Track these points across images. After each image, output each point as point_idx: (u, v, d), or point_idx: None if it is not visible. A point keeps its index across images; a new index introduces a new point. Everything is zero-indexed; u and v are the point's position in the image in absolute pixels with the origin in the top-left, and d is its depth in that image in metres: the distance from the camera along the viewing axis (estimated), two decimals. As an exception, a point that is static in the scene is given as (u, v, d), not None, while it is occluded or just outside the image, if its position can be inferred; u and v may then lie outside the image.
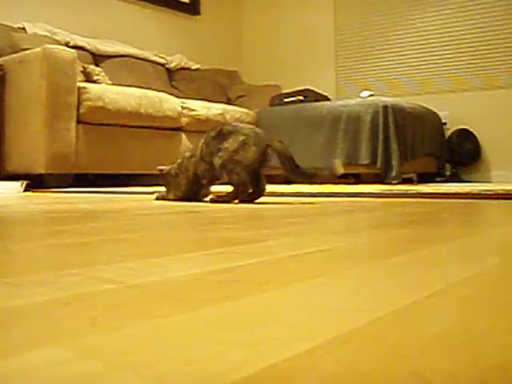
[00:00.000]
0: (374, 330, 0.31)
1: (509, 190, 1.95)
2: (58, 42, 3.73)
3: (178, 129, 3.73)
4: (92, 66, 3.85)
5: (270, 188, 2.70)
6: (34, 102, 3.02)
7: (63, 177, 3.10)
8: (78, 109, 3.13)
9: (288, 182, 4.40)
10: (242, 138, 1.65)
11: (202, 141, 1.75)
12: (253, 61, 5.85)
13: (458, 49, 4.61)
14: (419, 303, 0.37)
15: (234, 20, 5.85)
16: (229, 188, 1.73)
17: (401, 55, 4.90)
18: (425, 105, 4.60)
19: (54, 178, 3.05)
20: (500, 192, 1.86)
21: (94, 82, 3.66)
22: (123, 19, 4.74)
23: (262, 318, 0.33)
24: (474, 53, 4.53)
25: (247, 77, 5.76)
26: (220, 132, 1.69)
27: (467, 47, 4.57)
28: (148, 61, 4.61)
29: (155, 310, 0.36)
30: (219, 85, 5.12)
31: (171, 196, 1.82)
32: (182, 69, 4.94)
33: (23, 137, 3.10)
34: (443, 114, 4.54)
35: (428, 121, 4.17)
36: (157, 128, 3.57)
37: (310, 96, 4.31)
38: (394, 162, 3.69)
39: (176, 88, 4.73)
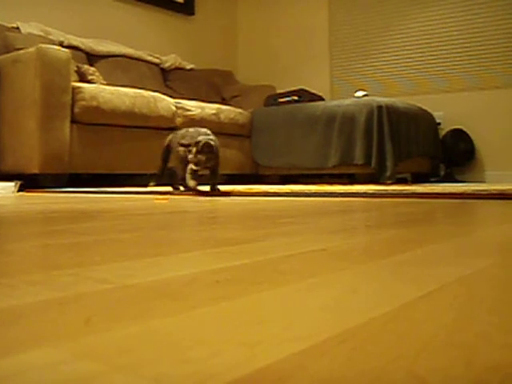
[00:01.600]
0: (369, 330, 0.31)
1: (503, 190, 1.96)
2: (53, 42, 3.72)
3: (173, 129, 3.72)
4: (86, 66, 3.84)
5: (264, 188, 2.70)
6: (28, 101, 3.02)
7: (57, 177, 3.09)
8: (72, 108, 3.13)
9: (283, 182, 4.40)
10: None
11: None
12: (247, 61, 5.85)
13: (452, 49, 4.62)
14: (414, 303, 0.37)
15: (228, 20, 5.85)
16: None
17: (395, 55, 4.90)
18: (419, 105, 4.61)
19: (48, 178, 3.04)
20: (494, 192, 1.87)
21: (89, 81, 3.65)
22: (118, 19, 4.73)
23: (258, 318, 0.33)
24: (468, 53, 4.55)
25: (242, 77, 5.76)
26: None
27: (461, 47, 4.58)
28: (142, 61, 4.60)
29: (151, 310, 0.35)
30: (214, 85, 5.12)
31: None
32: (177, 69, 4.93)
33: (17, 137, 3.09)
34: (437, 114, 4.55)
35: (422, 121, 4.18)
36: (151, 128, 3.57)
37: (305, 96, 4.31)
38: (389, 162, 3.70)
39: (170, 88, 4.73)
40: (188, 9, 5.33)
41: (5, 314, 0.34)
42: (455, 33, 4.60)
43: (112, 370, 0.24)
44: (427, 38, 4.74)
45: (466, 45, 4.55)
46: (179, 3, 5.23)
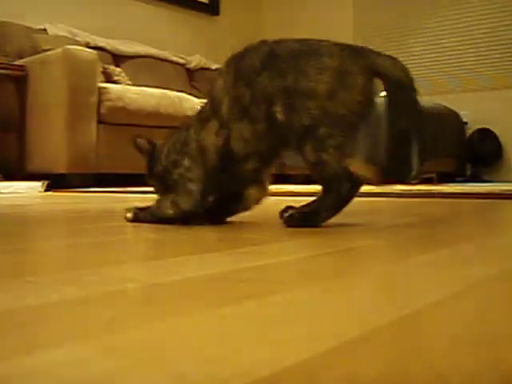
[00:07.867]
0: (394, 330, 0.31)
1: (531, 190, 1.93)
2: (79, 43, 3.76)
3: (198, 129, 3.73)
4: (112, 67, 3.87)
5: (289, 188, 2.69)
6: (55, 102, 3.05)
7: (84, 177, 3.12)
8: (98, 109, 3.15)
9: (308, 182, 4.38)
10: (332, 62, 0.85)
11: (229, 77, 0.95)
12: (272, 61, 5.84)
13: (478, 48, 4.57)
14: (440, 303, 0.37)
15: (253, 20, 5.85)
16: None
17: (420, 55, 4.86)
18: (445, 104, 4.57)
19: (74, 178, 3.07)
20: (522, 192, 1.84)
21: (114, 82, 3.68)
22: (143, 20, 4.76)
23: (283, 318, 0.33)
24: (494, 51, 4.49)
25: (266, 77, 5.76)
26: (273, 53, 0.89)
27: (488, 46, 4.52)
28: (168, 61, 4.62)
29: (176, 309, 0.36)
30: (238, 85, 5.12)
31: (169, 210, 0.92)
32: (202, 69, 4.95)
33: (44, 137, 3.12)
34: (464, 114, 4.50)
35: (448, 120, 4.13)
36: (177, 128, 3.58)
37: (330, 96, 4.29)
38: (414, 162, 3.66)
39: (196, 88, 4.74)
40: (213, 9, 5.35)
41: (31, 312, 0.35)
42: (481, 31, 4.55)
43: (136, 369, 0.25)
44: (453, 38, 4.68)
45: (493, 43, 4.49)
46: (204, 3, 5.25)
